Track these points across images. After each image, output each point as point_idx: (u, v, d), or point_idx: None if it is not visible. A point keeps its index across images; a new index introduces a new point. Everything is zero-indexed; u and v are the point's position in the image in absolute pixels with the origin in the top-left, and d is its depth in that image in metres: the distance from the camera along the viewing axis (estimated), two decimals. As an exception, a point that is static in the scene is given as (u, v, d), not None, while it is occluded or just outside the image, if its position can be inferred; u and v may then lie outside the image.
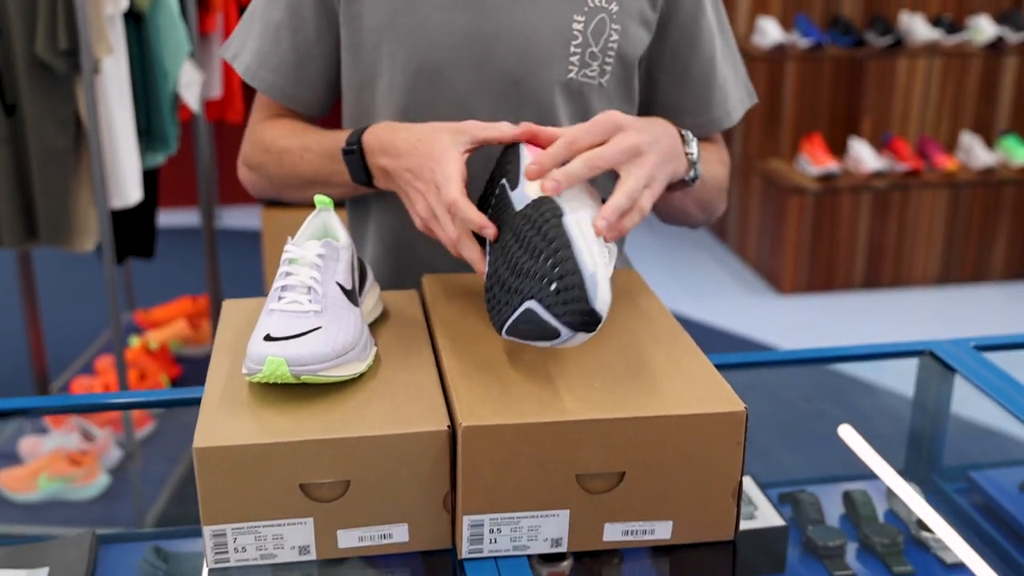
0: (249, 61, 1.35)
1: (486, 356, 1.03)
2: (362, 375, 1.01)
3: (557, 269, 0.92)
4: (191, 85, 2.83)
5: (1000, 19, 4.98)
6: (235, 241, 4.87)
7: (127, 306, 3.88)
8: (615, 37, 1.28)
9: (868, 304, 4.54)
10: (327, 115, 1.41)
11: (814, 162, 4.61)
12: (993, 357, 1.35)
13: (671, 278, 4.78)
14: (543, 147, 1.10)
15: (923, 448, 1.39)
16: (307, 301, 1.01)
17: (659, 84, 1.38)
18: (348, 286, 1.06)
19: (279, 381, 0.95)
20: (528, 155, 1.08)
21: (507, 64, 1.27)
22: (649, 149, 1.08)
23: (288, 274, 1.03)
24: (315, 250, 1.05)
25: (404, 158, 1.15)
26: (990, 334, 1.50)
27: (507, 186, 1.08)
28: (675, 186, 1.19)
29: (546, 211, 0.97)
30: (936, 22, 4.97)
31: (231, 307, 1.18)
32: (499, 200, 1.09)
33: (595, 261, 0.91)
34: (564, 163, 1.05)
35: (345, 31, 1.31)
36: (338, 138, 1.27)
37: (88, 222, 2.51)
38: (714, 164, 1.36)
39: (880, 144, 4.84)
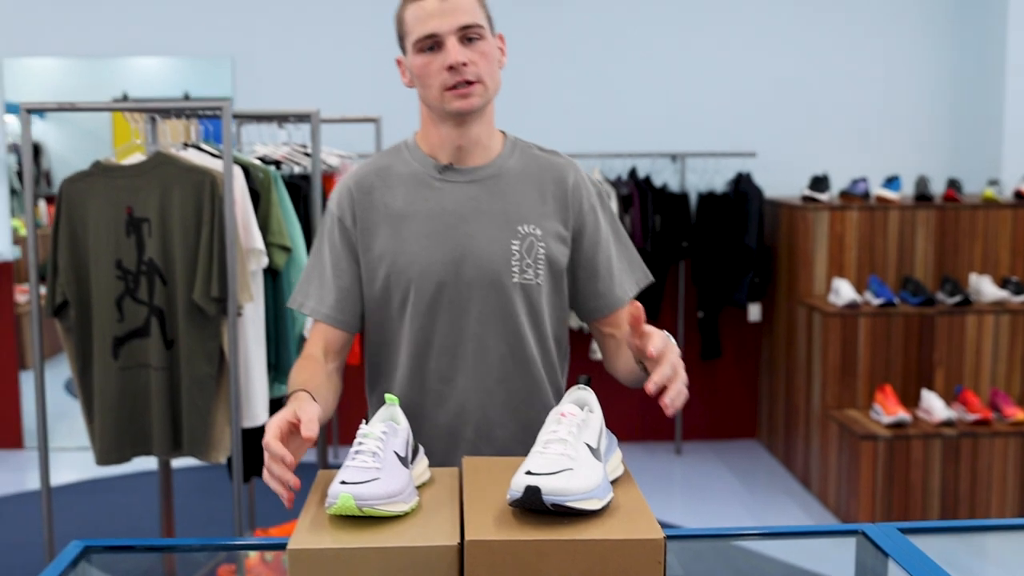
0: (313, 306, 1.97)
1: (495, 505, 1.46)
2: (407, 513, 1.45)
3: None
4: (315, 328, 3.39)
5: (1065, 281, 5.33)
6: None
7: (248, 525, 4.34)
8: (542, 251, 1.91)
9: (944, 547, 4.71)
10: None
11: (886, 411, 4.92)
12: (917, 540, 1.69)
13: (756, 521, 5.04)
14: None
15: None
16: (371, 461, 1.46)
17: (577, 278, 2.00)
18: (402, 454, 1.51)
19: (348, 513, 1.40)
20: None
21: (472, 275, 1.90)
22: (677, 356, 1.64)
23: (361, 443, 1.49)
24: (380, 428, 1.51)
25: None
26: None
27: None
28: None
29: None
30: (1003, 283, 5.34)
31: (323, 475, 1.64)
32: None
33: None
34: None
35: (365, 272, 1.94)
36: (297, 387, 1.78)
37: (223, 438, 3.03)
38: None
39: (951, 396, 5.13)
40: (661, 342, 1.60)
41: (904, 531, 1.71)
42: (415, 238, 1.90)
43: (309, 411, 1.58)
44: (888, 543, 1.70)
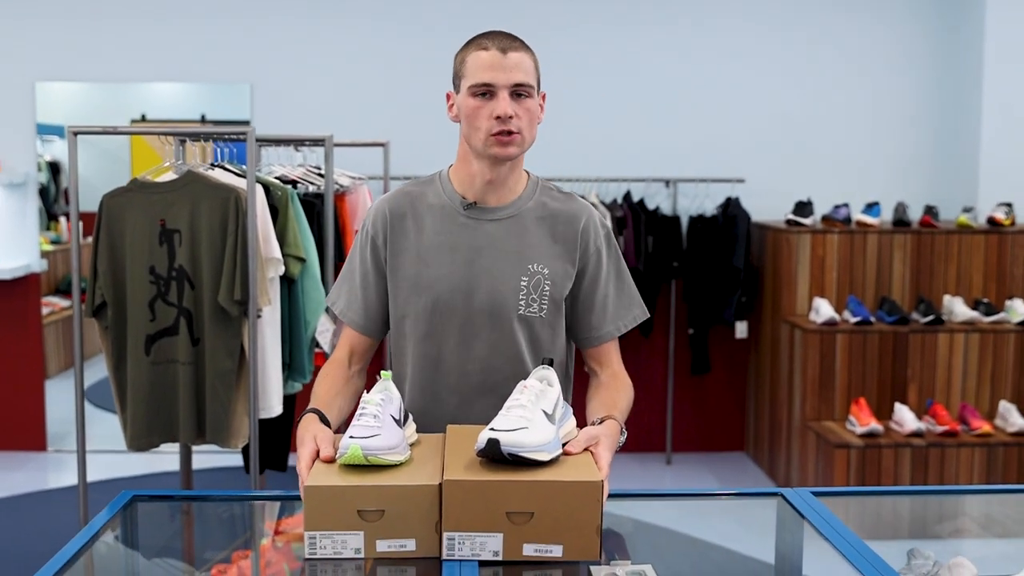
0: (342, 307, 2.27)
1: (468, 457, 1.80)
2: (401, 463, 1.79)
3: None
4: (324, 333, 3.74)
5: (1034, 302, 5.65)
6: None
7: (260, 515, 4.66)
8: (548, 288, 2.16)
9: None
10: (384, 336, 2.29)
11: (860, 422, 5.24)
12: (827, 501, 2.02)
13: (741, 527, 5.34)
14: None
15: (785, 568, 2.05)
16: (373, 421, 1.80)
17: (574, 310, 2.24)
18: (397, 417, 1.87)
19: (356, 462, 1.74)
20: None
21: (483, 304, 2.15)
22: (610, 450, 1.92)
23: (364, 407, 1.84)
24: (379, 396, 1.86)
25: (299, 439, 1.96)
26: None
27: None
28: None
29: None
30: (975, 305, 5.65)
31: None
32: None
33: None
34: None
35: (390, 287, 2.21)
36: (315, 402, 2.11)
37: (242, 427, 3.37)
38: (626, 398, 2.23)
39: (922, 410, 5.44)
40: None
41: (818, 495, 2.03)
42: (437, 266, 2.15)
43: (324, 438, 1.89)
44: (803, 505, 2.03)
